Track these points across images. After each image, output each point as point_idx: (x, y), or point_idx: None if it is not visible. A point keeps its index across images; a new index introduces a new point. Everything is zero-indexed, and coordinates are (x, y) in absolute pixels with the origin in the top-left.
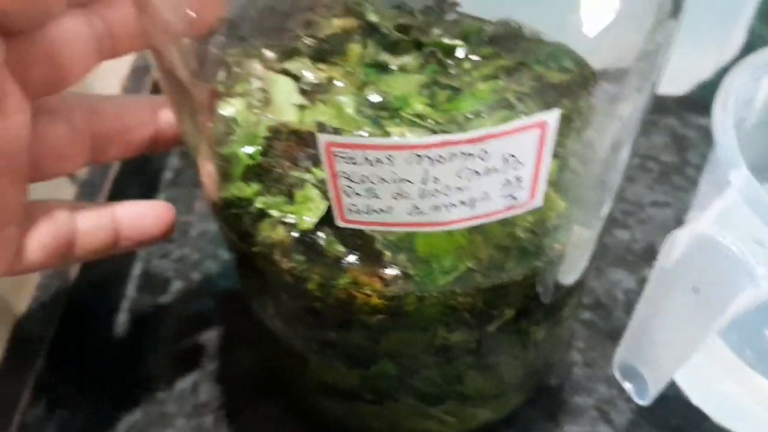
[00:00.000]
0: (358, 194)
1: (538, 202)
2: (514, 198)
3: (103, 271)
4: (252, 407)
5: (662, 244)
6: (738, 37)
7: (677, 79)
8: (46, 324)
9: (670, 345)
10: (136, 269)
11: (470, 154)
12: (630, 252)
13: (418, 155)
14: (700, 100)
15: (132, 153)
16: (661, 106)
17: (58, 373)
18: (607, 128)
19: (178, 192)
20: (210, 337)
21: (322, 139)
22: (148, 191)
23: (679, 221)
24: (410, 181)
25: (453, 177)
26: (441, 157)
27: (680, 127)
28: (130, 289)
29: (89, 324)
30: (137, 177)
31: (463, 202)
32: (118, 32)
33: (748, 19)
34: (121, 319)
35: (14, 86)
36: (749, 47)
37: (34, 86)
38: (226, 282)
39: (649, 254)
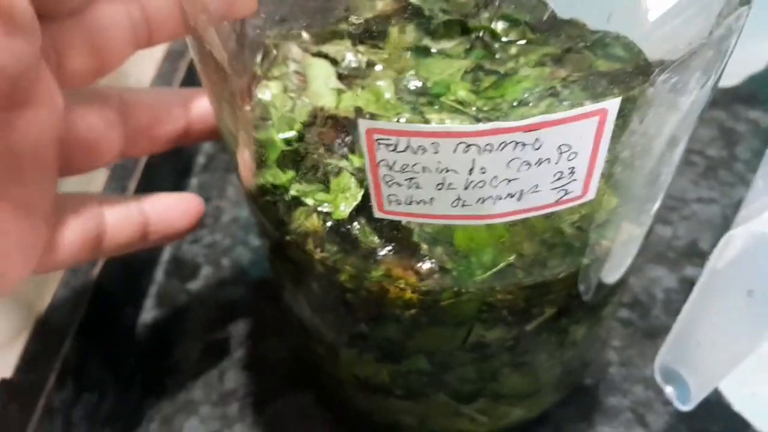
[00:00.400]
0: (398, 184)
1: (590, 195)
2: (566, 191)
3: (132, 257)
4: (279, 397)
5: (715, 244)
6: None
7: (728, 69)
8: (73, 308)
9: (719, 350)
10: (166, 254)
11: (522, 143)
12: (671, 249)
13: (466, 144)
14: (751, 92)
15: (162, 147)
16: None
17: (86, 357)
18: (664, 121)
19: (211, 177)
20: (239, 325)
21: (363, 125)
22: (180, 176)
23: (725, 218)
24: (455, 171)
25: (502, 167)
26: (490, 145)
27: (729, 120)
28: (159, 275)
29: (118, 309)
30: (169, 162)
31: (510, 195)
32: (154, 21)
33: None
34: (150, 305)
35: (48, 74)
36: None
37: (69, 75)
38: (257, 269)
39: (691, 252)
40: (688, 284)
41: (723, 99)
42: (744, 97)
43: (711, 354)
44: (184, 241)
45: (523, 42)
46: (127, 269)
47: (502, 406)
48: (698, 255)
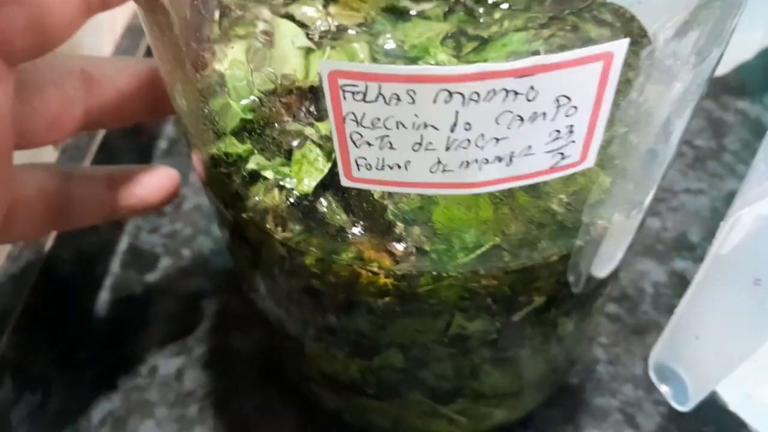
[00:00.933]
0: (368, 143)
1: (589, 162)
2: (563, 155)
3: (85, 244)
4: (241, 396)
5: (704, 236)
6: None
7: None
8: (15, 295)
9: (722, 345)
10: (123, 244)
11: (514, 92)
12: (660, 241)
13: (448, 91)
14: (740, 82)
15: (126, 122)
16: None
17: (28, 352)
18: (663, 93)
19: (173, 162)
20: (200, 319)
21: (326, 67)
22: (138, 159)
23: (714, 210)
24: (435, 127)
25: (490, 123)
26: (476, 94)
27: (717, 110)
28: (116, 266)
29: (66, 300)
30: (129, 146)
31: (499, 158)
32: None
33: None
34: (104, 297)
35: None
36: None
37: (14, 52)
38: (219, 260)
39: (680, 244)
40: (678, 277)
41: (711, 89)
42: (733, 87)
43: (712, 350)
44: (143, 230)
45: (506, 6)
46: (78, 257)
47: (483, 407)
48: (687, 247)
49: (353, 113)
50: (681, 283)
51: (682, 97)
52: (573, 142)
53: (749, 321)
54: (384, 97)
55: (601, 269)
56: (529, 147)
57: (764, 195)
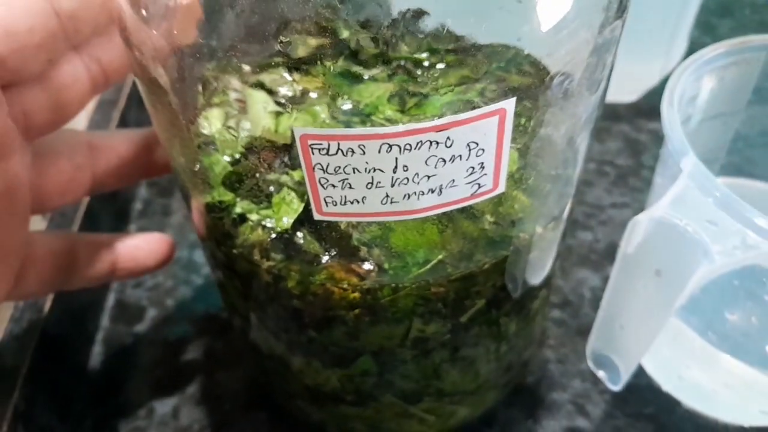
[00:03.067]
0: (333, 185)
1: (501, 188)
2: (479, 185)
3: (76, 303)
4: (234, 426)
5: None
6: (680, 46)
7: (627, 87)
8: (20, 355)
9: (637, 329)
10: (110, 300)
11: (436, 142)
12: (593, 252)
13: (389, 144)
14: (649, 106)
15: (125, 183)
16: (613, 113)
17: (36, 404)
18: (560, 123)
19: (149, 222)
20: (189, 361)
21: (298, 132)
22: (119, 222)
23: None
24: (382, 170)
25: (421, 164)
26: (409, 145)
27: (633, 132)
28: (105, 320)
29: (65, 356)
30: (108, 208)
31: (431, 190)
32: (110, 68)
33: (688, 28)
34: (97, 350)
35: (14, 131)
36: (690, 54)
37: (34, 129)
38: (201, 305)
39: (611, 253)
40: None
41: (626, 113)
42: (644, 110)
43: (631, 334)
44: (128, 285)
45: (441, 66)
46: (72, 316)
47: (447, 405)
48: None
49: (320, 163)
50: None
51: (581, 122)
52: (485, 174)
53: (654, 305)
54: (342, 151)
55: (535, 277)
56: (453, 180)
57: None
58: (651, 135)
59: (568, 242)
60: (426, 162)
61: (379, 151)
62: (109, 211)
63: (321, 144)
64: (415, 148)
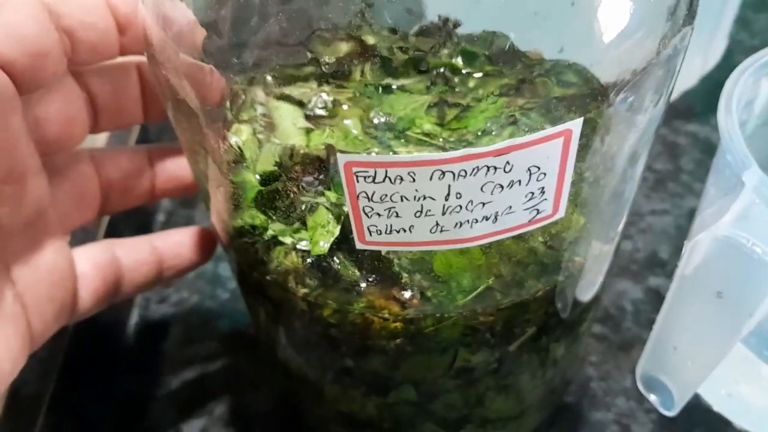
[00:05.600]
0: (378, 214)
1: (561, 213)
2: (538, 210)
3: (100, 323)
4: None
5: (673, 253)
6: (720, 45)
7: None
8: (44, 380)
9: (696, 353)
10: (134, 317)
11: (494, 167)
12: (634, 262)
13: (441, 171)
14: (687, 107)
15: (133, 202)
16: None
17: (60, 429)
18: (624, 139)
19: None
20: (216, 380)
21: (342, 159)
22: (141, 234)
23: (678, 227)
24: (432, 198)
25: (476, 191)
26: (464, 171)
27: (670, 135)
28: (129, 338)
29: (89, 378)
30: (130, 221)
31: (486, 217)
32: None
33: (728, 26)
34: (121, 371)
35: (31, 146)
36: (729, 53)
37: (46, 143)
38: (227, 322)
39: (652, 263)
40: (653, 293)
41: (664, 116)
42: (682, 112)
43: (689, 358)
44: (152, 301)
45: (480, 75)
46: (95, 335)
47: (490, 431)
48: (659, 265)
49: (365, 192)
50: (657, 298)
51: (643, 134)
52: (545, 200)
53: (716, 330)
54: (390, 179)
55: (585, 293)
56: (510, 207)
57: (717, 218)
58: (689, 137)
59: None
60: (482, 189)
61: (431, 179)
62: (132, 222)
63: (367, 171)
64: (470, 175)
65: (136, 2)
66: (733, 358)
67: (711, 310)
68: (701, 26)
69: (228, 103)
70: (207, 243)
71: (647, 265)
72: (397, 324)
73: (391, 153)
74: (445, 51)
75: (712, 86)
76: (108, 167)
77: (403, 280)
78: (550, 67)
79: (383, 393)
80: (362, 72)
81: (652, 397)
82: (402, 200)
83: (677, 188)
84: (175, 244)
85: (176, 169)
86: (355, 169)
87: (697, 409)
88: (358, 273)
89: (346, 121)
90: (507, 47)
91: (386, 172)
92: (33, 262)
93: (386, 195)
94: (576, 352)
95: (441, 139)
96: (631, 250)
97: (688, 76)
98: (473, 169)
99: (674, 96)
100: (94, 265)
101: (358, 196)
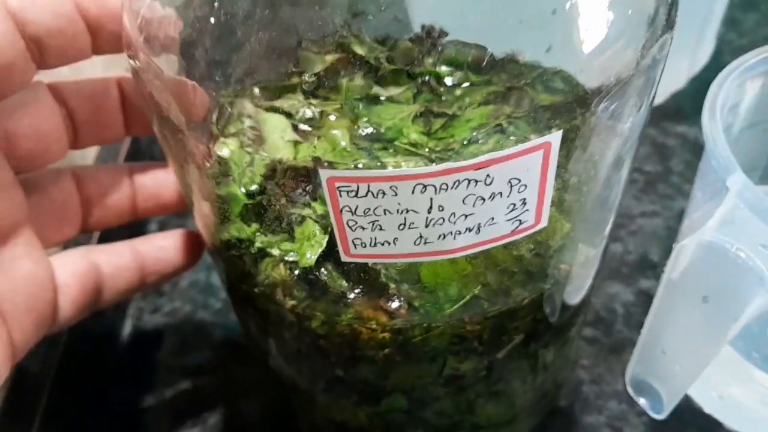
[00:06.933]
0: (362, 227)
1: (543, 223)
2: (520, 221)
3: (93, 334)
4: None
5: (664, 255)
6: (708, 45)
7: None
8: (38, 391)
9: (684, 357)
10: (127, 327)
11: (474, 180)
12: (625, 264)
13: (423, 184)
14: (676, 108)
15: (114, 218)
16: None
17: None
18: (608, 146)
19: None
20: (209, 389)
21: (324, 174)
22: None
23: (669, 229)
24: (415, 211)
25: (458, 204)
26: (445, 185)
27: (660, 136)
28: (123, 348)
29: (82, 390)
30: (122, 230)
31: (469, 229)
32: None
33: (716, 27)
34: (115, 381)
35: (3, 161)
36: (717, 53)
37: (17, 158)
38: (220, 332)
39: (643, 265)
40: (644, 296)
41: (652, 117)
42: (671, 113)
43: (677, 362)
44: (144, 311)
45: (467, 84)
46: (88, 346)
47: None
48: (650, 267)
49: (348, 206)
50: (647, 300)
51: (626, 141)
52: (527, 210)
53: (703, 334)
54: (372, 193)
55: (573, 297)
56: (492, 218)
57: (703, 222)
58: (679, 139)
59: None
60: (463, 201)
61: (413, 192)
62: (124, 233)
63: (349, 186)
64: (452, 188)
65: (113, 4)
66: (723, 361)
67: (697, 314)
68: (689, 27)
69: (214, 117)
70: (194, 247)
71: (638, 268)
72: (386, 334)
73: (378, 164)
74: (430, 60)
75: (701, 87)
76: (89, 184)
77: (390, 291)
78: (536, 75)
79: (374, 402)
80: (350, 82)
81: (642, 401)
82: (385, 213)
83: (667, 190)
84: (158, 248)
85: (157, 187)
86: (337, 184)
87: (688, 411)
88: (345, 284)
89: (334, 132)
90: (487, 59)
91: (368, 186)
92: (10, 273)
93: (369, 209)
94: (566, 356)
95: (427, 149)
96: (622, 253)
97: (677, 77)
98: (454, 183)
99: (663, 97)
100: (73, 274)
101: (341, 210)
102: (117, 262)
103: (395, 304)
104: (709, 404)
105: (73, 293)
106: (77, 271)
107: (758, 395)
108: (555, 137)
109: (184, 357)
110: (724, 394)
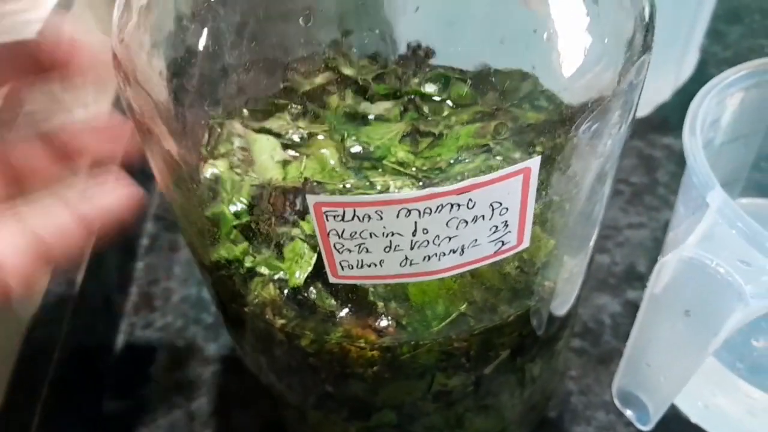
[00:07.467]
0: (349, 250)
1: (525, 243)
2: (503, 242)
3: (85, 349)
4: None
5: (650, 266)
6: (692, 58)
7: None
8: (30, 405)
9: (668, 369)
10: (119, 343)
11: (458, 204)
12: (612, 275)
13: (407, 209)
14: (662, 120)
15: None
16: None
17: None
18: (589, 164)
19: (157, 258)
20: (202, 403)
21: (311, 200)
22: (126, 260)
23: (655, 240)
24: (400, 234)
25: (442, 227)
26: (429, 209)
27: (646, 148)
28: (115, 364)
29: (75, 405)
30: (114, 247)
31: (453, 250)
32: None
33: (699, 40)
34: (109, 395)
35: None
36: (702, 65)
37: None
38: (212, 346)
39: (630, 276)
40: (632, 306)
41: (639, 129)
42: (656, 125)
43: (661, 374)
44: (136, 326)
45: (452, 103)
46: (81, 360)
47: None
48: (637, 278)
49: (335, 229)
50: (635, 311)
51: (608, 158)
52: (509, 232)
53: (686, 347)
54: (358, 217)
55: (560, 309)
56: (475, 240)
57: (686, 237)
58: (665, 150)
59: None
60: (447, 224)
61: (398, 216)
62: (115, 250)
63: (336, 211)
64: (435, 212)
65: None
66: (708, 371)
67: (680, 328)
68: (673, 40)
69: (205, 140)
70: (127, 192)
71: (625, 279)
72: (374, 352)
73: (367, 183)
74: (416, 80)
75: (686, 99)
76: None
77: (378, 309)
78: (522, 96)
79: (364, 417)
80: (339, 100)
81: (628, 412)
82: (371, 237)
83: (653, 201)
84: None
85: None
86: (324, 209)
87: (675, 420)
88: (334, 303)
89: (323, 151)
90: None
91: (354, 211)
92: None
93: (356, 232)
94: (554, 368)
95: (414, 168)
96: (609, 264)
97: (663, 89)
98: (437, 207)
99: (649, 109)
100: (14, 248)
101: (328, 234)
102: (51, 223)
103: (383, 323)
104: (695, 414)
105: (17, 269)
106: (17, 244)
107: (743, 405)
108: (534, 162)
109: (176, 371)
110: (710, 404)
